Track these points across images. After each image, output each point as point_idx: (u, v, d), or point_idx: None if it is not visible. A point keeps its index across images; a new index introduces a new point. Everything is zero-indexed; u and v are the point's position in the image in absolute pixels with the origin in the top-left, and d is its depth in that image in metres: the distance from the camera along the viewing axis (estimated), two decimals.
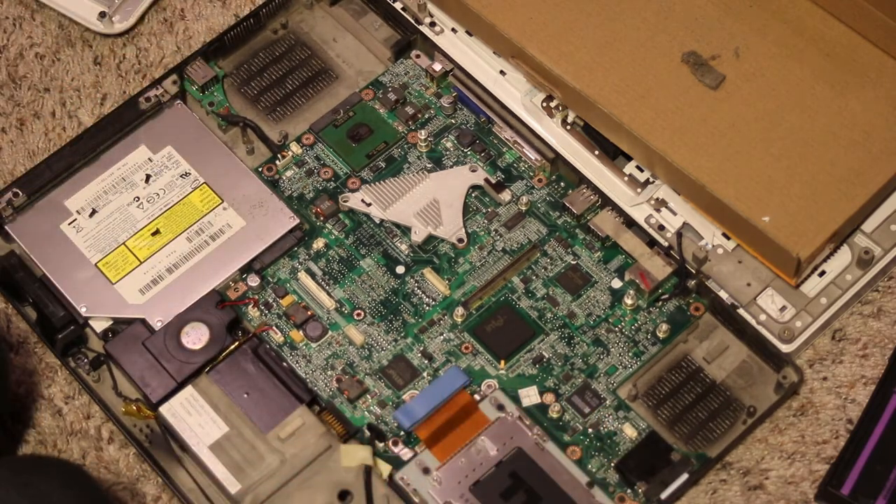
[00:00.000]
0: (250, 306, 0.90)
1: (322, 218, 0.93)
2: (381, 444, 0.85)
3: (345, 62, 0.99)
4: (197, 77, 0.97)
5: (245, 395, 0.85)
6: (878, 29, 0.92)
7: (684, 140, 0.90)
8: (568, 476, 0.83)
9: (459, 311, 0.89)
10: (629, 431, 0.85)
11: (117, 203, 0.93)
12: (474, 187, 0.94)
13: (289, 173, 0.95)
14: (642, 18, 0.95)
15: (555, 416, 0.85)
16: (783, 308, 0.89)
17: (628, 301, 0.89)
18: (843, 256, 0.90)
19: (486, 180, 0.94)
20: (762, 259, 0.89)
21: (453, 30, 0.99)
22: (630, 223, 0.91)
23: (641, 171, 0.93)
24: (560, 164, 0.94)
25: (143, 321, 0.88)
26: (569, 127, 0.95)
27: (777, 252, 0.87)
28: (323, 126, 0.96)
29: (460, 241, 0.92)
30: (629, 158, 0.94)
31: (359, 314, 0.90)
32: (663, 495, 0.83)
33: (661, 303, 0.89)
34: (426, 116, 0.97)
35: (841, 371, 0.88)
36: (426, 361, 0.88)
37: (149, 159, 0.94)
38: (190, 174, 0.94)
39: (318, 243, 0.92)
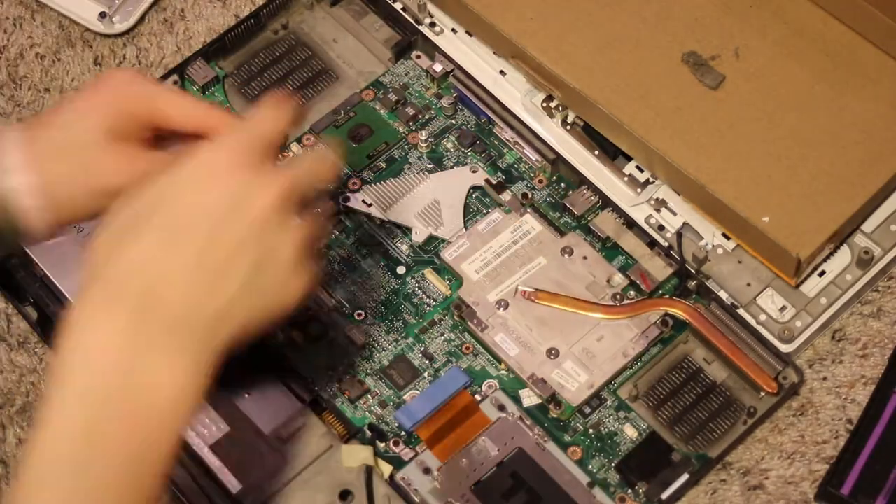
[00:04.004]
0: None
1: (322, 218, 0.93)
2: (382, 445, 0.85)
3: (345, 63, 0.99)
4: (198, 77, 0.97)
5: (246, 396, 0.85)
6: (878, 29, 0.92)
7: (684, 140, 0.90)
8: (569, 476, 0.83)
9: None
10: (630, 432, 0.85)
11: None
12: (475, 188, 0.94)
13: None
14: (642, 18, 0.95)
15: (555, 416, 0.85)
16: (783, 308, 0.89)
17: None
18: (843, 256, 0.90)
19: (487, 181, 0.94)
20: (762, 259, 0.89)
21: (453, 30, 0.99)
22: (630, 224, 0.91)
23: (641, 171, 0.93)
24: (560, 164, 0.94)
25: None
26: (569, 127, 0.95)
27: (777, 252, 0.87)
28: (323, 126, 0.96)
29: None
30: (629, 158, 0.94)
31: (360, 314, 0.90)
32: (664, 495, 0.83)
33: None
34: (427, 117, 0.97)
35: (841, 371, 0.88)
36: (427, 362, 0.88)
37: None
38: None
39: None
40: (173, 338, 0.67)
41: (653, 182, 0.93)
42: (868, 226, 0.91)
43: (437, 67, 0.97)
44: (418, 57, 0.99)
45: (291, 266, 0.70)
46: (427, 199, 0.93)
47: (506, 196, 0.93)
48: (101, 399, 0.66)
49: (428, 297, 0.90)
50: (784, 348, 0.87)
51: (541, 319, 0.87)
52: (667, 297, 0.89)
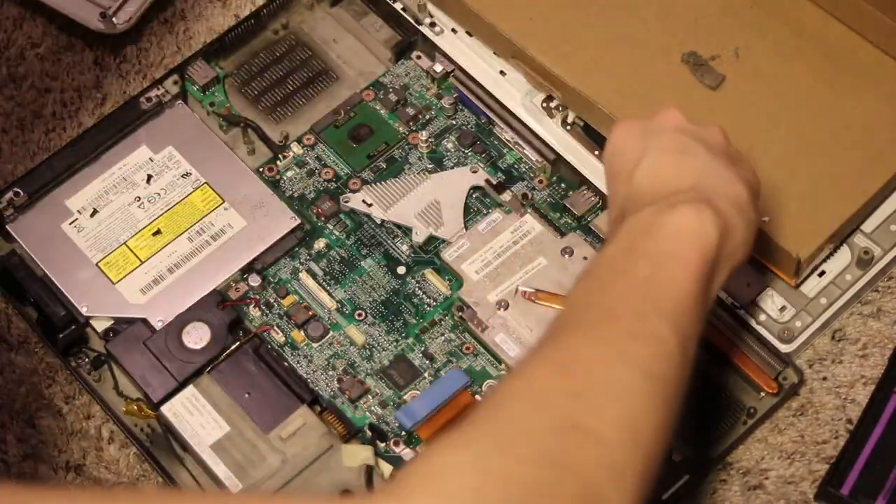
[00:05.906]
0: (251, 306, 0.90)
1: (323, 218, 0.93)
2: (382, 445, 0.85)
3: (345, 63, 0.99)
4: (198, 77, 0.97)
5: (246, 395, 0.85)
6: (878, 29, 0.92)
7: None
8: None
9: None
10: None
11: (118, 203, 0.93)
12: (475, 188, 0.94)
13: (290, 174, 0.95)
14: (642, 18, 0.95)
15: None
16: (783, 308, 0.89)
17: None
18: (843, 256, 0.90)
19: (487, 181, 0.94)
20: (762, 259, 0.89)
21: (453, 30, 0.99)
22: None
23: None
24: (560, 164, 0.94)
25: (144, 321, 0.88)
26: (569, 127, 0.95)
27: (777, 252, 0.87)
28: (324, 127, 0.96)
29: None
30: None
31: (360, 314, 0.90)
32: (664, 496, 0.83)
33: None
34: (427, 117, 0.97)
35: (841, 371, 0.88)
36: (427, 362, 0.88)
37: (150, 159, 0.94)
38: (191, 174, 0.94)
39: (319, 244, 0.92)
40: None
41: None
42: (868, 226, 0.91)
43: (438, 68, 0.97)
44: (418, 57, 0.99)
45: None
46: (427, 200, 0.93)
47: (506, 196, 0.93)
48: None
49: (428, 297, 0.90)
50: (784, 348, 0.87)
51: (541, 320, 0.87)
52: None
